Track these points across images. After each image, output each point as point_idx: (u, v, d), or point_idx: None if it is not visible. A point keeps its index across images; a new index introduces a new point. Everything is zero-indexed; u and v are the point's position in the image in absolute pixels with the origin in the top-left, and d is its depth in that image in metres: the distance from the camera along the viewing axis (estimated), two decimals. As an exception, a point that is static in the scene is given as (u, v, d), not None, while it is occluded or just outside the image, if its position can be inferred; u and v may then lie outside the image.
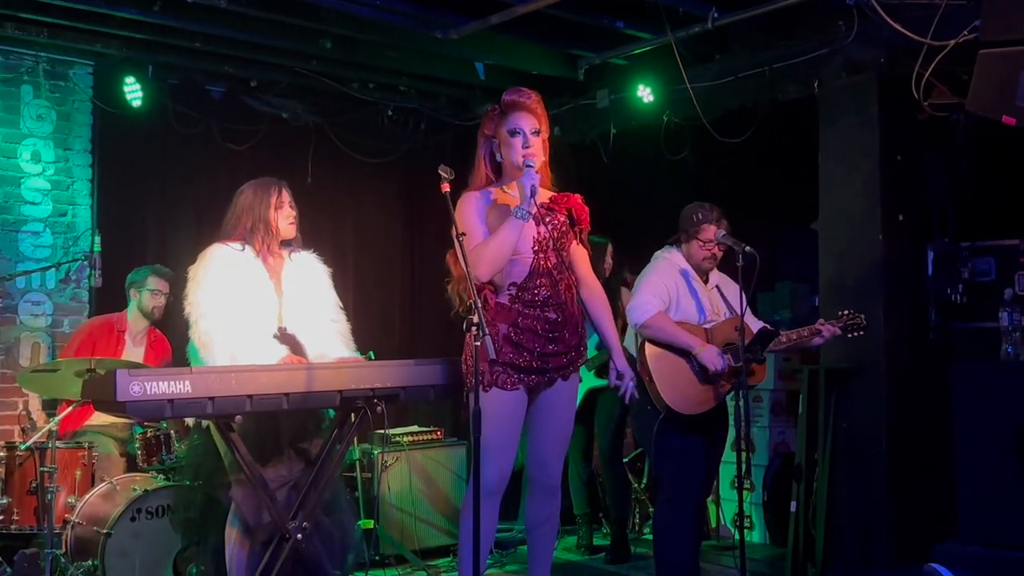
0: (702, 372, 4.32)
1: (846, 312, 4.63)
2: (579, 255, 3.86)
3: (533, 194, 3.57)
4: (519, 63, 6.32)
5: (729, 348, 4.37)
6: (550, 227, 3.72)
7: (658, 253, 4.59)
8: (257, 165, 5.84)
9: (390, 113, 6.99)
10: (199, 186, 6.34)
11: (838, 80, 5.34)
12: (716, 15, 5.32)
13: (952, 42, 4.47)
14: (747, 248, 4.26)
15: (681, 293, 4.42)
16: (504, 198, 3.75)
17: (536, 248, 3.69)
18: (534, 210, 3.58)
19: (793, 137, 5.94)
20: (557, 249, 3.73)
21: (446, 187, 3.49)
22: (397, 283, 7.21)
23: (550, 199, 3.80)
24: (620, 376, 3.79)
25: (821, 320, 4.61)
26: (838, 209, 5.36)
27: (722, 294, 4.58)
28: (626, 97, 6.39)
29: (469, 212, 3.69)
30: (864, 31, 5.09)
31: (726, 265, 4.60)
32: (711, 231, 4.42)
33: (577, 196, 3.85)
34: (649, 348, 4.33)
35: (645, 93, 6.21)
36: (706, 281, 4.56)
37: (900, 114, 5.25)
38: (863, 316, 4.62)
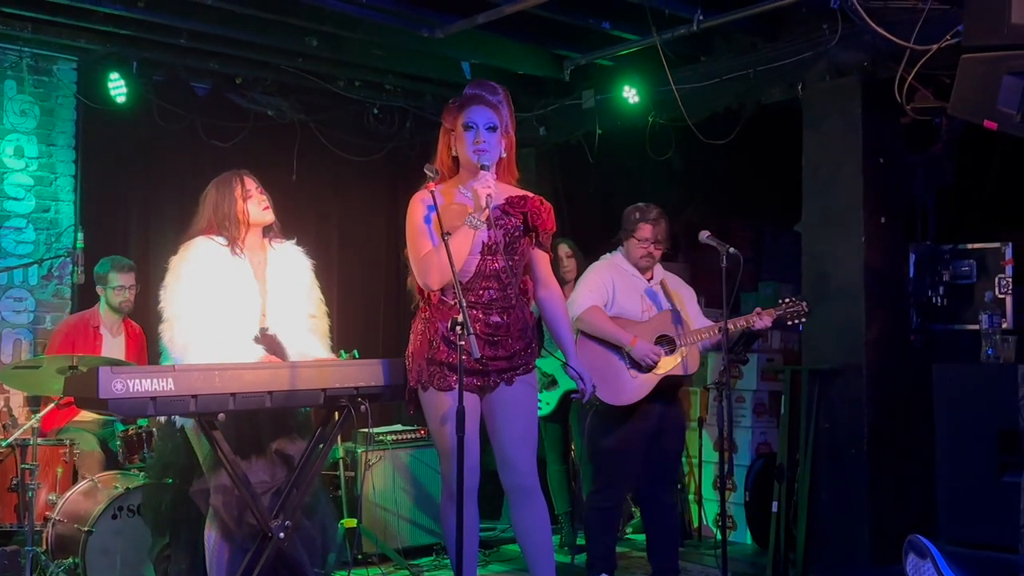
0: (632, 365, 4.48)
1: (786, 300, 4.65)
2: (539, 258, 3.71)
3: (488, 204, 3.41)
4: (505, 62, 6.32)
5: (662, 340, 4.54)
6: (502, 231, 3.56)
7: (603, 255, 4.79)
8: (242, 162, 5.71)
9: (376, 111, 6.98)
10: (183, 183, 6.27)
11: (822, 83, 5.37)
12: (702, 17, 5.34)
13: (935, 46, 4.50)
14: (731, 249, 4.33)
15: (619, 290, 4.62)
16: (457, 198, 3.59)
17: (483, 250, 3.53)
18: (486, 217, 3.41)
19: (777, 139, 5.98)
20: (508, 253, 3.57)
21: (432, 186, 3.49)
22: (382, 281, 7.20)
23: (507, 200, 3.61)
24: (581, 378, 3.69)
25: (758, 309, 4.61)
26: (821, 211, 5.40)
27: (666, 290, 4.70)
28: (612, 98, 6.40)
29: (418, 217, 3.54)
30: (848, 35, 5.14)
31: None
32: (647, 230, 4.61)
33: (536, 198, 3.66)
34: (580, 342, 4.48)
35: (631, 94, 6.22)
36: (650, 279, 4.70)
37: (883, 117, 5.28)
38: (805, 304, 4.62)
